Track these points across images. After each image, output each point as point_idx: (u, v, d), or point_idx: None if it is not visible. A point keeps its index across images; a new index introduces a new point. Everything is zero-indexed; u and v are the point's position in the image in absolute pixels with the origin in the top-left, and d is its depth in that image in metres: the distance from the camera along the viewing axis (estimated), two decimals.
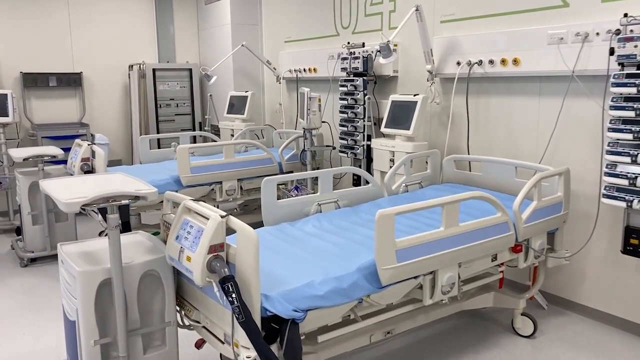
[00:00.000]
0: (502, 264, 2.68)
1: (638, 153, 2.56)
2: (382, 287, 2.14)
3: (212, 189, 4.20)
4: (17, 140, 5.41)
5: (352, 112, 4.22)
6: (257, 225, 4.67)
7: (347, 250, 2.35)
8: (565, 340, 2.91)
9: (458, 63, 3.60)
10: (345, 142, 4.32)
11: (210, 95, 6.07)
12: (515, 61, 3.27)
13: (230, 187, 4.23)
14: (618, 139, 2.64)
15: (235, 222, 1.91)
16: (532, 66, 3.19)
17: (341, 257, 2.27)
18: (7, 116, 4.90)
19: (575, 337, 2.95)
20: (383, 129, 3.83)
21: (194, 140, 5.54)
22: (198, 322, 2.21)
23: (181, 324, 2.32)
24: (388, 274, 2.10)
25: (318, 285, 2.01)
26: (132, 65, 6.06)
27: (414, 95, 3.68)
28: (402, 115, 3.70)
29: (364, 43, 4.25)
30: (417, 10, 3.52)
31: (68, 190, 2.02)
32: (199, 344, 2.33)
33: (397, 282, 2.19)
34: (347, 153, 4.33)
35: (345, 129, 4.30)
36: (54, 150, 4.22)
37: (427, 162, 3.59)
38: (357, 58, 4.19)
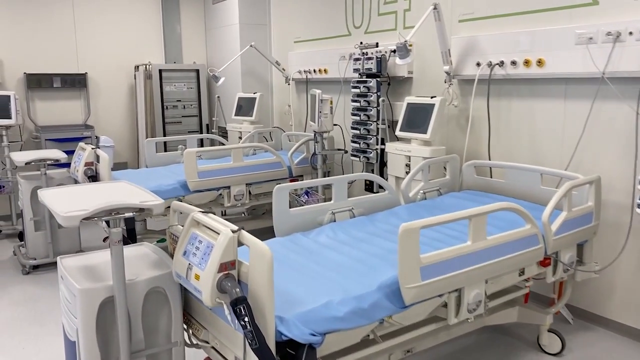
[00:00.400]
0: (529, 278, 2.51)
1: None
2: (405, 307, 1.98)
3: (220, 194, 4.06)
4: (20, 142, 5.29)
5: (364, 114, 4.06)
6: (265, 230, 4.55)
7: (366, 265, 2.20)
8: (595, 359, 2.74)
9: (478, 64, 3.44)
10: (357, 145, 4.17)
11: (218, 97, 5.93)
12: (539, 62, 3.10)
13: (238, 192, 4.08)
14: None
15: (248, 237, 1.76)
16: (558, 67, 3.03)
17: (360, 273, 2.12)
18: (10, 118, 4.77)
19: (606, 355, 2.78)
20: (398, 133, 3.67)
21: (201, 143, 5.41)
22: (207, 342, 2.07)
23: (188, 342, 2.17)
24: (412, 293, 1.95)
25: (337, 305, 1.85)
26: (138, 66, 5.93)
27: (431, 97, 3.52)
28: (418, 118, 3.53)
29: (377, 43, 4.09)
30: (435, 8, 3.36)
31: (67, 201, 1.88)
32: None
33: (421, 301, 2.03)
34: (360, 157, 4.18)
35: (358, 132, 4.15)
36: (57, 153, 4.09)
37: (445, 168, 3.43)
38: (370, 58, 4.03)
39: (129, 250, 2.25)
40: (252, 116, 5.17)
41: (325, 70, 4.91)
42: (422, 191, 3.17)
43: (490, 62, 3.35)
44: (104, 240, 4.39)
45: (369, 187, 4.22)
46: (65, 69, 5.65)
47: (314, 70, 5.05)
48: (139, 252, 2.28)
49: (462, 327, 2.51)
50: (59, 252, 4.11)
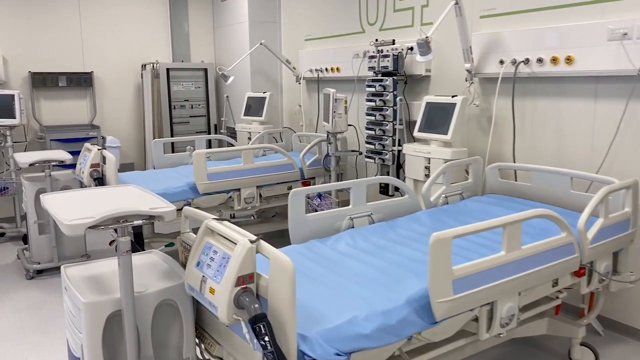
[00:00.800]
0: (562, 289, 2.35)
1: None
2: (435, 323, 1.83)
3: (230, 197, 3.92)
4: (25, 143, 5.17)
5: (380, 114, 3.91)
6: (275, 234, 4.42)
7: (390, 276, 2.05)
8: None
9: (501, 62, 3.28)
10: (372, 146, 4.02)
11: (227, 97, 5.79)
12: (568, 59, 2.94)
13: (249, 195, 3.94)
14: None
15: (267, 248, 1.61)
16: (588, 65, 2.86)
17: (384, 285, 1.97)
18: (14, 118, 4.66)
19: None
20: (417, 133, 3.51)
21: (209, 143, 5.28)
22: (221, 359, 1.92)
23: (201, 358, 2.03)
24: (443, 307, 1.80)
25: (362, 322, 1.70)
26: (145, 65, 5.80)
27: (452, 96, 3.36)
28: (438, 118, 3.38)
29: (394, 40, 3.94)
30: (456, 3, 3.21)
31: (72, 208, 1.74)
32: None
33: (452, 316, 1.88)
34: (375, 159, 4.03)
35: (373, 132, 3.99)
36: (62, 154, 3.96)
37: (466, 171, 3.27)
38: (386, 56, 3.87)
39: (137, 259, 2.12)
40: (261, 116, 5.03)
41: (337, 68, 4.76)
42: (443, 195, 3.01)
43: (515, 59, 3.19)
44: (110, 243, 4.26)
45: (384, 190, 4.06)
46: (70, 68, 5.53)
47: (326, 69, 4.90)
48: (148, 260, 2.14)
49: (489, 341, 2.36)
50: (64, 256, 3.98)
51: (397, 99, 3.80)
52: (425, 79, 3.95)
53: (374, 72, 4.02)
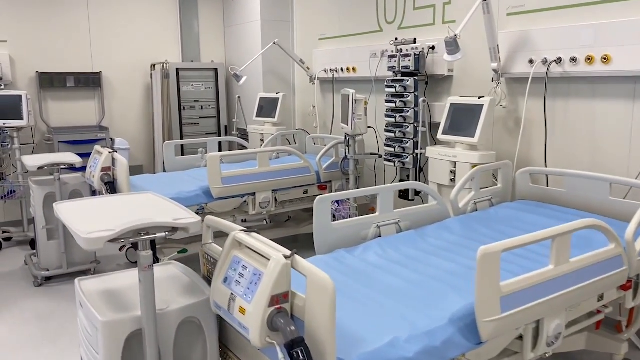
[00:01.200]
0: (606, 304, 2.21)
1: None
2: (480, 343, 1.69)
3: (245, 201, 3.79)
4: (33, 145, 5.05)
5: (400, 116, 3.76)
6: (289, 240, 4.27)
7: (427, 291, 1.90)
8: None
9: (531, 61, 3.13)
10: (392, 149, 3.87)
11: (239, 97, 5.65)
12: (605, 58, 2.79)
13: (264, 199, 3.81)
14: None
15: (304, 264, 1.48)
16: (627, 64, 2.71)
17: (423, 301, 1.83)
18: (22, 119, 4.53)
19: None
20: (441, 136, 3.37)
21: (219, 145, 5.14)
22: None
23: None
24: (491, 327, 1.65)
25: (404, 344, 1.56)
26: (154, 65, 5.67)
27: (479, 97, 3.21)
28: (464, 120, 3.23)
29: (415, 39, 3.79)
30: (484, 0, 3.06)
31: (88, 219, 1.61)
32: None
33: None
34: (394, 162, 3.88)
35: (393, 135, 3.85)
36: (72, 157, 3.84)
37: (494, 176, 3.13)
38: (407, 56, 3.73)
39: (156, 272, 1.97)
40: (274, 117, 4.89)
41: (353, 68, 4.61)
42: (473, 201, 2.87)
43: (546, 59, 3.04)
44: (121, 249, 4.14)
45: (404, 194, 3.92)
46: (79, 68, 5.40)
47: (342, 69, 4.76)
48: (167, 273, 2.00)
49: None
50: (73, 262, 3.85)
51: (420, 100, 3.65)
52: (447, 79, 3.80)
53: (394, 72, 3.87)
